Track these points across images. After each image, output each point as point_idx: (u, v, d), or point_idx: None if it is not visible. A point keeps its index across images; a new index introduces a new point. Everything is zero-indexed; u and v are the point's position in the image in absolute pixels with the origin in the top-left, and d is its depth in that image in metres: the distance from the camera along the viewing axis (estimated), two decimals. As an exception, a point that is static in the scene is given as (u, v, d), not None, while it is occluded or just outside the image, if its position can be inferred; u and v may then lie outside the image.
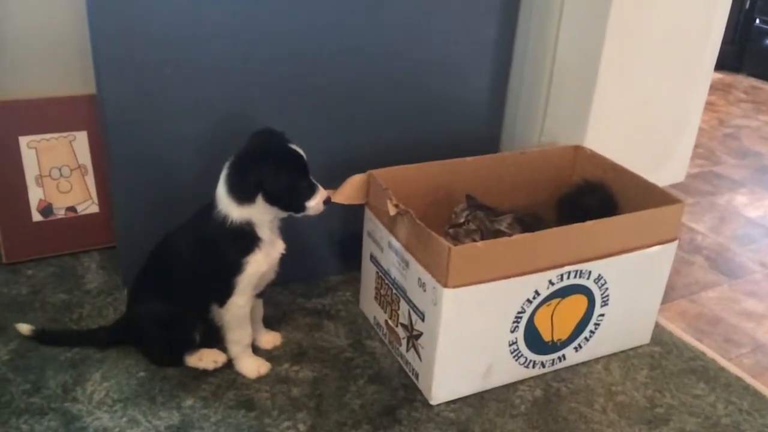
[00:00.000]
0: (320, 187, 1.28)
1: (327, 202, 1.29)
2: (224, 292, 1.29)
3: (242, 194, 1.23)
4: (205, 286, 1.31)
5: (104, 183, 1.69)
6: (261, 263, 1.29)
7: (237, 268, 1.27)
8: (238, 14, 1.37)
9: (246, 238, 1.27)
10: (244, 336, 1.36)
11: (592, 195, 1.52)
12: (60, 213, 1.69)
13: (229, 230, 1.25)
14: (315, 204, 1.27)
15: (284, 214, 1.30)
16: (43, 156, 1.65)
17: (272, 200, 1.24)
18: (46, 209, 1.68)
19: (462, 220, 1.43)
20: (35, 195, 1.66)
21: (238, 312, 1.31)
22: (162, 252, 1.35)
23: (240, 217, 1.25)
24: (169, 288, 1.33)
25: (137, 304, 1.38)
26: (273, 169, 1.22)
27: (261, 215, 1.26)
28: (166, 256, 1.35)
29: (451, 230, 1.44)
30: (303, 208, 1.27)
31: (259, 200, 1.23)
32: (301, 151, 1.26)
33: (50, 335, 1.41)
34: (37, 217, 1.67)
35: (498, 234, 1.38)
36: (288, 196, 1.25)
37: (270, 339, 1.46)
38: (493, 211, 1.47)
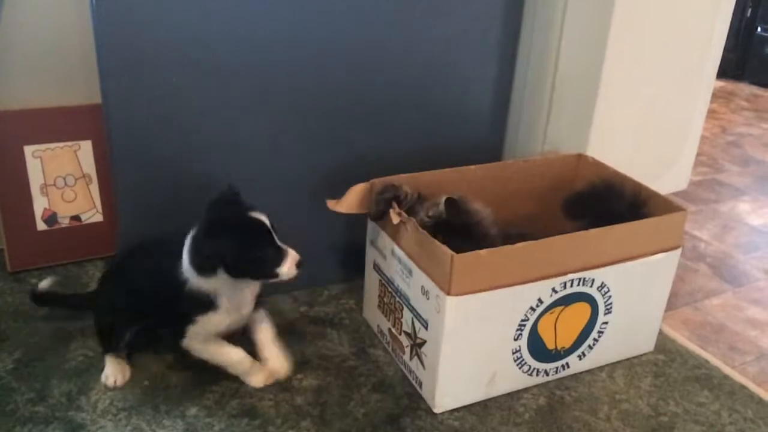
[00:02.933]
0: (290, 251, 1.22)
1: (300, 265, 1.22)
2: (177, 332, 1.28)
3: (202, 269, 1.20)
4: (158, 316, 1.30)
5: (108, 192, 1.70)
6: (217, 323, 1.26)
7: (188, 320, 1.25)
8: (241, 23, 1.38)
9: (203, 301, 1.23)
10: (226, 362, 1.32)
11: (620, 199, 1.47)
12: (64, 222, 1.70)
13: (187, 291, 1.22)
14: (287, 270, 1.21)
15: (254, 284, 1.28)
16: (48, 165, 1.66)
17: (236, 274, 1.20)
18: (51, 218, 1.69)
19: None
20: (40, 204, 1.67)
21: (195, 349, 1.30)
22: (129, 262, 1.35)
23: (200, 285, 1.22)
24: (128, 294, 1.33)
25: (101, 284, 1.43)
26: (232, 244, 1.17)
27: (224, 285, 1.22)
28: (130, 267, 1.35)
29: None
30: (273, 276, 1.22)
31: (221, 273, 1.19)
32: (262, 217, 1.21)
33: (45, 296, 1.48)
34: (41, 226, 1.68)
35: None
36: (253, 268, 1.21)
37: (268, 373, 1.36)
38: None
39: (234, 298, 1.26)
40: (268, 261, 1.20)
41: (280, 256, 1.21)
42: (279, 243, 1.22)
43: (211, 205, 1.23)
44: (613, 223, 1.33)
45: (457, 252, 1.20)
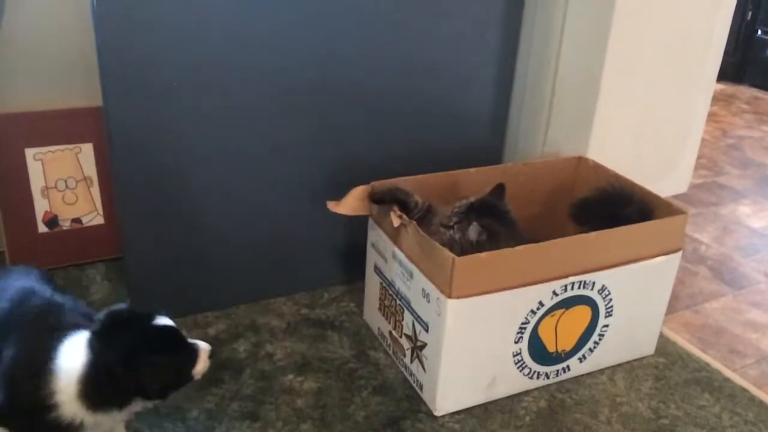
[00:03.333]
0: (200, 344, 1.07)
1: (212, 355, 1.08)
2: None
3: (107, 404, 0.99)
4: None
5: (109, 194, 1.70)
6: None
7: None
8: (241, 26, 1.38)
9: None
10: None
11: (630, 205, 1.46)
12: (65, 224, 1.70)
13: (51, 421, 0.97)
14: (201, 368, 1.06)
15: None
16: (49, 168, 1.66)
17: (157, 395, 1.02)
18: (52, 221, 1.69)
19: (451, 224, 1.37)
20: (41, 206, 1.67)
21: None
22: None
23: (79, 418, 0.98)
24: None
25: None
26: (156, 368, 0.99)
27: (112, 419, 1.03)
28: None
29: (441, 228, 1.38)
30: (189, 380, 1.06)
31: (132, 402, 1.01)
32: (170, 322, 1.05)
33: None
34: (42, 228, 1.68)
35: (471, 244, 1.32)
36: (174, 381, 1.04)
37: None
38: (485, 215, 1.37)
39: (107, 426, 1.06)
40: (187, 366, 1.04)
41: (194, 356, 1.05)
42: (189, 341, 1.06)
43: (112, 324, 1.02)
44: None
45: (495, 234, 1.23)
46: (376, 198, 1.42)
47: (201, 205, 1.50)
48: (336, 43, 1.49)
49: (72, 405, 0.97)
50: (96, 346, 0.98)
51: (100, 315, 1.03)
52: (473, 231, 1.33)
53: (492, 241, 1.34)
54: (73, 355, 0.98)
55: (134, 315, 1.04)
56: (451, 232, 1.36)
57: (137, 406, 1.03)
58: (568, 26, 1.69)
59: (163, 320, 1.05)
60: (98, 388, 0.98)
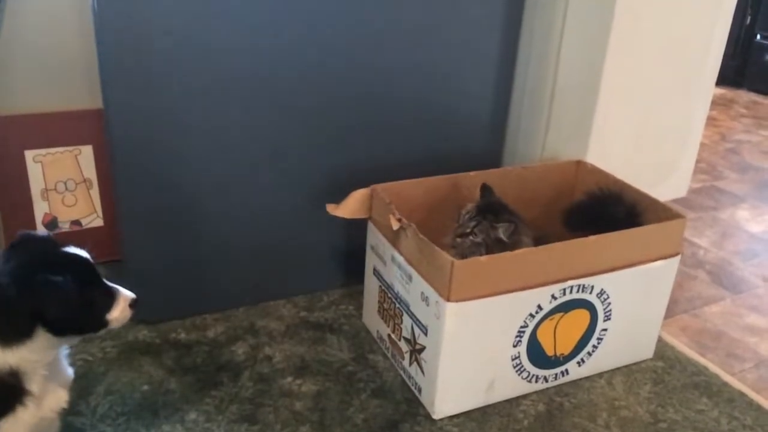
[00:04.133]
0: (120, 290, 1.01)
1: (134, 304, 1.01)
2: None
3: (11, 333, 0.90)
4: None
5: (109, 197, 1.70)
6: (23, 428, 0.93)
7: None
8: (243, 30, 1.39)
9: (5, 394, 0.91)
10: None
11: (617, 204, 1.48)
12: (65, 226, 1.70)
13: None
14: (119, 314, 0.99)
15: (76, 340, 1.03)
16: (49, 170, 1.66)
17: (58, 329, 0.93)
18: (51, 223, 1.69)
19: (468, 230, 1.40)
20: (40, 209, 1.67)
21: None
22: None
23: (1, 364, 0.90)
24: None
25: None
26: (55, 288, 0.90)
27: (38, 354, 0.93)
28: None
29: (458, 239, 1.41)
30: (104, 324, 0.98)
31: (39, 334, 0.91)
32: (84, 253, 0.98)
33: None
34: (42, 230, 1.68)
35: (499, 243, 1.37)
36: (81, 317, 0.95)
37: None
38: (498, 213, 1.42)
39: (45, 380, 0.96)
40: (97, 305, 0.97)
41: (110, 297, 0.99)
42: (107, 282, 1.00)
43: (13, 249, 0.95)
44: (612, 230, 1.33)
45: (517, 229, 1.28)
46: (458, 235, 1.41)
47: (200, 207, 1.50)
48: (336, 48, 1.49)
49: None
50: None
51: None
52: (503, 229, 1.35)
53: (516, 234, 1.36)
54: None
55: (46, 240, 0.98)
56: (471, 237, 1.37)
57: (49, 343, 0.93)
58: (568, 31, 1.69)
59: (79, 251, 0.98)
60: None
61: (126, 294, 1.01)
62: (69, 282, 0.91)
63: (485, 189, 1.47)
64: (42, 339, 0.92)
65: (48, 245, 0.97)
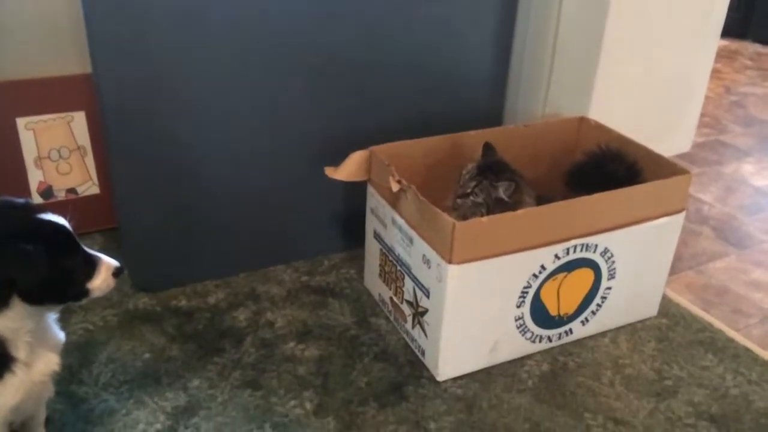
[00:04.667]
0: (102, 258, 0.98)
1: (118, 273, 0.99)
2: None
3: None
4: None
5: (104, 164, 1.67)
6: (14, 393, 0.93)
7: None
8: (234, -11, 1.35)
9: None
10: None
11: (617, 162, 1.47)
12: (60, 195, 1.68)
13: None
14: (100, 283, 0.97)
15: (57, 308, 1.00)
16: (42, 137, 1.63)
17: (34, 298, 0.91)
18: (47, 191, 1.67)
19: (468, 191, 1.38)
20: (35, 177, 1.65)
21: None
22: None
23: None
24: None
25: None
26: (26, 257, 0.88)
27: (18, 322, 0.91)
28: None
29: (458, 200, 1.39)
30: (84, 293, 0.97)
31: (15, 303, 0.90)
32: (61, 220, 0.95)
33: None
34: (37, 199, 1.66)
35: (499, 202, 1.34)
36: (57, 286, 0.93)
37: None
38: (499, 172, 1.39)
39: (31, 347, 0.95)
40: (77, 274, 0.95)
41: (91, 265, 0.97)
42: (87, 249, 0.97)
43: None
44: (614, 189, 1.31)
45: (519, 187, 1.27)
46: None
47: (197, 174, 1.47)
48: (333, 9, 1.45)
49: None
50: None
51: None
52: (504, 188, 1.33)
53: (517, 193, 1.35)
54: None
55: (22, 208, 0.95)
56: (472, 197, 1.35)
57: (27, 312, 0.92)
58: (569, -17, 1.64)
59: (56, 218, 0.95)
60: None
61: (109, 262, 0.98)
62: (41, 251, 0.89)
63: (487, 148, 1.44)
64: (19, 308, 0.91)
65: (24, 212, 0.94)
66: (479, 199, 1.34)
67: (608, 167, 1.46)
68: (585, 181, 1.44)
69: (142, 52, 1.32)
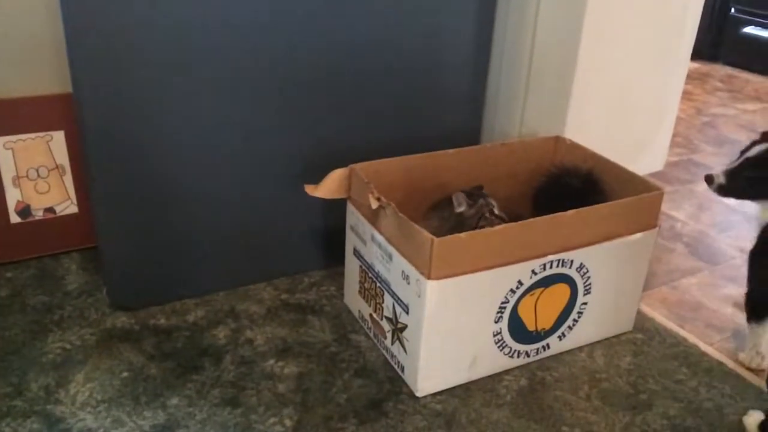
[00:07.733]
0: None
1: None
2: None
3: None
4: None
5: (83, 183, 1.67)
6: None
7: None
8: (217, 10, 1.36)
9: None
10: None
11: (573, 176, 1.52)
12: (38, 214, 1.67)
13: None
14: None
15: None
16: (20, 156, 1.63)
17: None
18: (24, 210, 1.66)
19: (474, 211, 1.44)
20: (12, 196, 1.64)
21: None
22: None
23: None
24: None
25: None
26: None
27: None
28: None
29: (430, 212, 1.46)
30: None
31: None
32: None
33: None
34: (15, 218, 1.65)
35: (459, 217, 1.42)
36: None
37: None
38: (469, 193, 1.48)
39: None
40: None
41: None
42: None
43: None
44: (577, 204, 1.34)
45: (463, 195, 1.31)
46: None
47: (176, 192, 1.48)
48: (310, 26, 1.47)
49: None
50: None
51: None
52: (457, 199, 1.39)
53: (476, 207, 1.42)
54: None
55: None
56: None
57: None
58: (543, 6, 1.68)
59: None
60: None
61: None
62: None
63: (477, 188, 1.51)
64: None
65: None
66: (445, 214, 1.40)
67: (563, 180, 1.52)
68: (548, 200, 1.48)
69: (123, 71, 1.33)
